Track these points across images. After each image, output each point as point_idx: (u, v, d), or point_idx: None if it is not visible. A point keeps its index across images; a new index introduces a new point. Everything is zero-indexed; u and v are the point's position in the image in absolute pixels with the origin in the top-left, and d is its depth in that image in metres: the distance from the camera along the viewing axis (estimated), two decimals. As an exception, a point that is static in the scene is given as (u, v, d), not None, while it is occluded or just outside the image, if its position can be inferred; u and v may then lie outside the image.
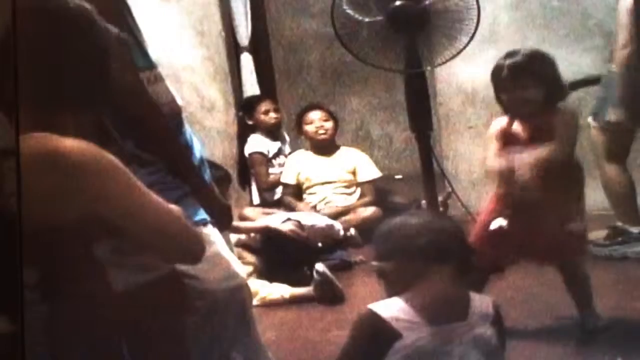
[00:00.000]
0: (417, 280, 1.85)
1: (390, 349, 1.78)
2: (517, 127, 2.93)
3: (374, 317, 1.82)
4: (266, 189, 5.10)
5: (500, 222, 2.87)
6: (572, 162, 2.94)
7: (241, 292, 2.07)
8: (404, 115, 4.24)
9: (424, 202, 4.13)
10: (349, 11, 3.48)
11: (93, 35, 1.54)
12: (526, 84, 2.87)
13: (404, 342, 1.78)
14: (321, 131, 4.95)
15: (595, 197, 4.24)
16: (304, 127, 5.00)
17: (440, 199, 4.01)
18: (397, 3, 3.35)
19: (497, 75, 2.94)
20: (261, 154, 5.14)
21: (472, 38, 3.36)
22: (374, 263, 1.97)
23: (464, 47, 3.38)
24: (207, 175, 2.13)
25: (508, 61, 2.91)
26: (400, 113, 4.77)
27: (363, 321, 1.85)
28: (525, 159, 2.83)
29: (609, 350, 2.54)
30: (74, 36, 1.51)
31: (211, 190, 2.12)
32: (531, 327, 2.94)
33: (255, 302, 3.66)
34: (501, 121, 2.97)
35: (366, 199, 4.89)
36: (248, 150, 5.17)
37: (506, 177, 2.88)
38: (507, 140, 2.92)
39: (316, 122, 4.97)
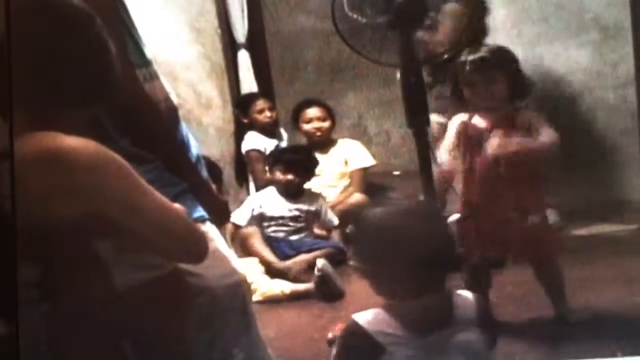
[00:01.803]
0: (401, 288, 1.78)
1: None
2: (478, 120, 2.93)
3: (358, 330, 1.77)
4: (263, 185, 5.09)
5: (454, 217, 2.92)
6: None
7: (241, 288, 2.07)
8: (401, 111, 4.22)
9: (422, 198, 4.13)
10: (350, 13, 3.49)
11: (92, 31, 1.53)
12: (494, 78, 2.88)
13: (391, 357, 1.74)
14: (318, 133, 4.94)
15: (587, 192, 4.27)
16: (301, 125, 4.98)
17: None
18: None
19: (460, 71, 2.94)
20: (258, 151, 5.12)
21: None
22: (352, 263, 1.89)
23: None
24: (204, 172, 2.13)
25: (471, 57, 2.92)
26: (397, 109, 4.75)
27: (348, 332, 1.80)
28: (510, 145, 2.81)
29: (609, 344, 2.53)
30: (72, 33, 1.51)
31: (208, 187, 2.12)
32: (531, 322, 2.95)
33: (256, 297, 3.66)
34: (462, 117, 2.98)
35: (352, 188, 4.85)
36: (245, 147, 5.15)
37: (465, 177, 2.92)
38: (467, 133, 2.93)
39: (314, 121, 4.94)
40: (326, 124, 4.95)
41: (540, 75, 4.54)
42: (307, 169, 4.45)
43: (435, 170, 3.11)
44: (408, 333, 1.73)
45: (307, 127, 4.95)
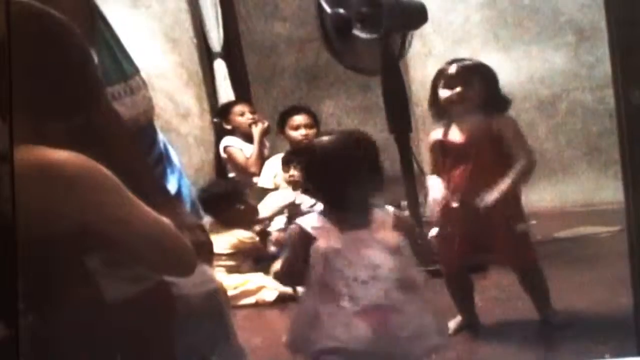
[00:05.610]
0: (332, 199, 2.29)
1: (311, 249, 2.21)
2: (453, 134, 2.97)
3: (300, 229, 2.26)
4: (246, 177, 5.02)
5: (434, 232, 2.96)
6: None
7: (217, 296, 2.07)
8: (380, 116, 4.23)
9: (404, 203, 4.13)
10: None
11: (73, 42, 1.52)
12: (472, 81, 2.94)
13: (319, 243, 2.20)
14: (305, 140, 4.91)
15: (567, 194, 4.28)
16: (288, 131, 4.94)
17: (420, 199, 4.01)
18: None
19: (442, 75, 3.01)
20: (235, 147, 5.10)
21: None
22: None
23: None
24: (187, 199, 2.10)
25: (455, 64, 3.00)
26: (377, 114, 4.75)
27: (292, 232, 2.30)
28: (491, 196, 2.86)
29: (595, 346, 2.54)
30: (54, 43, 1.50)
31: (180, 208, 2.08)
32: (517, 325, 2.95)
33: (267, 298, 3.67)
34: (437, 133, 3.01)
35: None
36: (222, 145, 5.11)
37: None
38: (443, 150, 2.97)
39: (302, 128, 4.90)
40: (312, 132, 4.92)
41: (517, 78, 4.56)
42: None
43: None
44: (333, 226, 2.23)
45: (294, 134, 4.91)
